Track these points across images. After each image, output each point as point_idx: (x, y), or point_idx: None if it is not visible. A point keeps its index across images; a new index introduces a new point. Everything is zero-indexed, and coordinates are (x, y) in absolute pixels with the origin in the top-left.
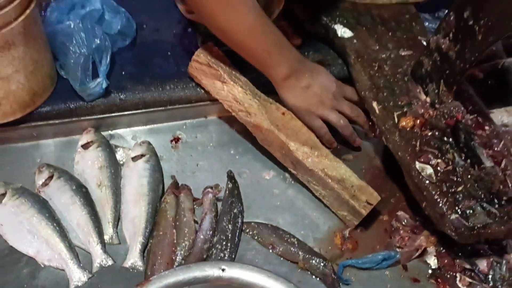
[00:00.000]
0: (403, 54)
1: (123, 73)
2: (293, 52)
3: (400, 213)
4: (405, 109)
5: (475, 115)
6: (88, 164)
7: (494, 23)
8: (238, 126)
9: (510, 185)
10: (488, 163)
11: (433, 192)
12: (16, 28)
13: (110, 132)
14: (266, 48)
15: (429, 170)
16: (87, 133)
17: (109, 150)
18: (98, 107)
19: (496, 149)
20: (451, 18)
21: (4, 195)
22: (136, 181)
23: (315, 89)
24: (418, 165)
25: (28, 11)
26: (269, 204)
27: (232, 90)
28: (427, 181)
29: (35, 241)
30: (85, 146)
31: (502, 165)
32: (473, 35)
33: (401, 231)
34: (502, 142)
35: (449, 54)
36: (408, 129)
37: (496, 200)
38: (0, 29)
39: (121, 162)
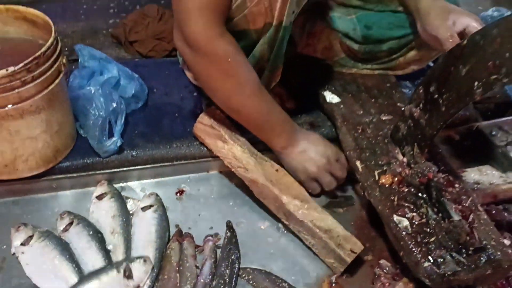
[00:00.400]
0: (384, 118)
1: (135, 132)
2: (290, 124)
3: (382, 261)
4: (385, 168)
5: (447, 174)
6: (102, 213)
7: (454, 98)
8: (236, 180)
9: (476, 237)
10: (456, 217)
11: (409, 242)
12: (47, 95)
13: (121, 184)
14: (268, 124)
15: (405, 222)
16: (101, 185)
17: (121, 200)
18: (112, 162)
19: (464, 204)
20: (421, 91)
21: (31, 237)
22: (145, 229)
23: (311, 154)
24: (395, 217)
25: (57, 81)
26: (263, 251)
27: (232, 149)
28: (404, 232)
29: (56, 280)
30: (100, 197)
31: (470, 218)
32: (438, 106)
33: (383, 278)
34: (470, 199)
35: (420, 121)
36: (387, 185)
37: (464, 250)
38: (33, 97)
39: (131, 212)
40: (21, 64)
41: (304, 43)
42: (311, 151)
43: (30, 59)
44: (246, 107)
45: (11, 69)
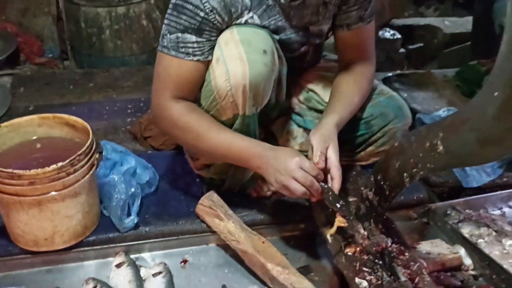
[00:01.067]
0: (350, 200)
1: (149, 211)
2: (257, 147)
3: None
4: (350, 240)
5: (399, 244)
6: (120, 279)
7: (393, 185)
8: (231, 251)
9: None
10: (403, 278)
11: None
12: (83, 183)
13: (136, 255)
14: (236, 155)
15: (364, 283)
16: (120, 256)
17: (136, 268)
18: (129, 236)
19: (412, 269)
20: (372, 179)
21: None
22: None
23: (277, 167)
24: (357, 280)
25: (91, 171)
26: None
27: (227, 225)
28: None
29: None
30: (118, 266)
31: (416, 280)
32: (384, 191)
33: None
34: (417, 264)
35: (373, 202)
36: (351, 254)
37: None
38: (73, 184)
39: (144, 278)
40: (68, 160)
41: (285, 139)
42: (277, 165)
43: (74, 156)
44: (211, 149)
45: (60, 164)
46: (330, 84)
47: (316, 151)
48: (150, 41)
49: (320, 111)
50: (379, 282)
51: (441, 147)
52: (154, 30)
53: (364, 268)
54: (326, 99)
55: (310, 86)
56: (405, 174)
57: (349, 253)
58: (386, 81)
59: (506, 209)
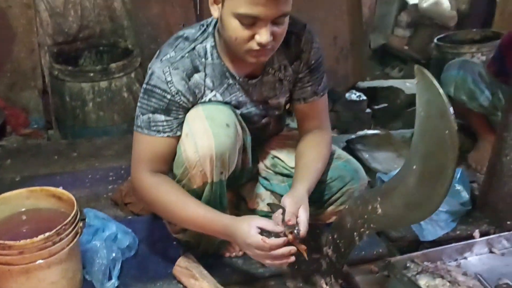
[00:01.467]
0: (314, 257)
1: (128, 274)
2: (221, 219)
3: None
4: None
5: None
6: None
7: (347, 243)
8: None
9: None
10: None
11: None
12: (67, 250)
13: None
14: (201, 225)
15: None
16: None
17: None
18: None
19: None
20: (330, 237)
21: None
22: None
23: (240, 242)
24: None
25: (75, 239)
26: None
27: (202, 285)
28: None
29: None
30: None
31: None
32: (339, 248)
33: None
34: None
35: (332, 259)
36: None
37: None
38: (59, 252)
39: None
40: (54, 230)
41: (254, 201)
42: (239, 241)
43: (60, 226)
44: (177, 221)
45: (47, 234)
46: (293, 150)
47: (289, 212)
48: (131, 111)
49: (286, 175)
50: None
51: (380, 210)
52: (134, 101)
53: None
54: (291, 164)
55: (275, 153)
56: (355, 233)
57: None
58: (349, 142)
59: (461, 261)
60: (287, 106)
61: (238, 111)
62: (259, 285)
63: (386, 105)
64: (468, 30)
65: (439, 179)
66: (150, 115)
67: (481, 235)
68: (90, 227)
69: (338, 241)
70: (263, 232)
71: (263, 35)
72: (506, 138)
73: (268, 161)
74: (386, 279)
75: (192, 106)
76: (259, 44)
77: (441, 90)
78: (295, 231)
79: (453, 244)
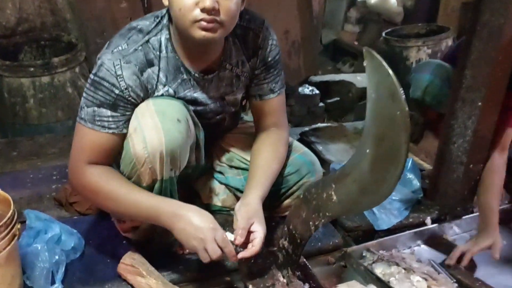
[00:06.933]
0: (271, 249)
1: (74, 278)
2: (170, 204)
3: None
4: None
5: None
6: None
7: (302, 234)
8: None
9: None
10: None
11: None
12: (4, 254)
13: None
14: (144, 214)
15: None
16: None
17: None
18: None
19: None
20: (285, 228)
21: None
22: None
23: (189, 231)
24: None
25: (13, 242)
26: None
27: (149, 282)
28: None
29: None
30: None
31: None
32: (295, 239)
33: None
34: None
35: (288, 251)
36: None
37: None
38: None
39: None
40: None
41: (207, 196)
42: (189, 228)
43: None
44: (121, 209)
45: None
46: (249, 144)
47: (238, 228)
48: (76, 107)
49: (243, 169)
50: None
51: (335, 197)
52: (79, 96)
53: None
54: (247, 158)
55: (230, 147)
56: (310, 223)
57: None
58: (303, 135)
59: (415, 248)
60: (244, 103)
61: (193, 108)
62: (214, 282)
63: (338, 99)
64: (414, 24)
65: (393, 161)
66: (96, 108)
67: (433, 222)
68: (31, 229)
69: (293, 232)
70: None
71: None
72: (453, 125)
73: (224, 157)
74: (343, 269)
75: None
76: (203, 9)
77: (390, 71)
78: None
79: (406, 232)
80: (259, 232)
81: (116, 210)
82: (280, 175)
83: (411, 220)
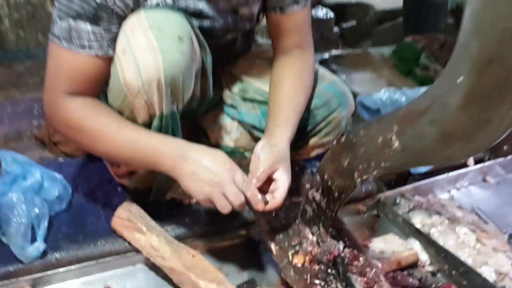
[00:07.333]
0: (294, 200)
1: (60, 234)
2: (174, 144)
3: None
4: (297, 248)
5: (352, 248)
6: None
7: (342, 186)
8: (162, 272)
9: None
10: None
11: None
12: None
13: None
14: (142, 156)
15: None
16: None
17: None
18: (35, 267)
19: (369, 276)
20: (318, 178)
21: None
22: None
23: (201, 175)
24: None
25: None
26: None
27: (149, 239)
28: None
29: None
30: None
31: None
32: (332, 192)
33: None
34: (374, 270)
35: (321, 204)
36: (300, 265)
37: None
38: None
39: None
40: None
41: (217, 135)
42: (201, 172)
43: None
44: (112, 151)
45: None
46: (266, 71)
47: (258, 170)
48: None
49: (259, 102)
50: None
51: (396, 143)
52: None
53: (316, 281)
54: (265, 88)
55: (244, 76)
56: (356, 174)
57: (298, 264)
58: (323, 63)
59: (454, 192)
60: (261, 17)
61: (197, 23)
62: (227, 236)
63: (354, 23)
64: None
65: (505, 94)
66: (71, 21)
67: (475, 162)
68: (6, 175)
69: (329, 183)
70: None
71: None
72: None
73: (236, 87)
74: (375, 219)
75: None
76: None
77: None
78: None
79: (446, 175)
80: (283, 181)
81: (105, 153)
82: (305, 109)
83: None
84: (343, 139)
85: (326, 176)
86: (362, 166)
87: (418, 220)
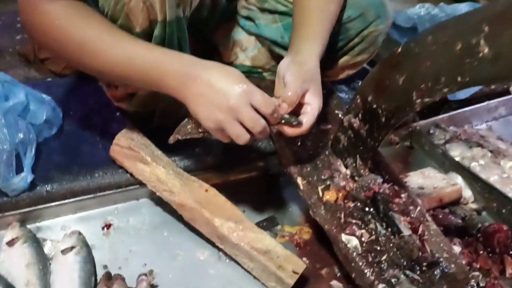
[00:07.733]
0: (323, 128)
1: (50, 163)
2: (179, 59)
3: (333, 282)
4: (328, 183)
5: (392, 183)
6: (14, 262)
7: (393, 109)
8: (170, 206)
9: (428, 250)
10: (406, 231)
11: (360, 263)
12: None
13: (37, 224)
14: (140, 72)
15: (354, 241)
16: (12, 229)
17: (36, 244)
18: (24, 201)
19: (412, 215)
20: (358, 101)
21: None
22: (66, 276)
23: (210, 97)
24: (344, 237)
25: None
26: (205, 286)
27: (155, 171)
28: (354, 253)
29: None
30: (10, 243)
31: (420, 231)
32: (378, 117)
33: None
34: (418, 209)
35: (361, 132)
36: (332, 202)
37: (417, 267)
38: None
39: (50, 256)
40: None
41: (231, 52)
42: (211, 93)
43: None
44: (103, 67)
45: None
46: None
47: (287, 91)
48: None
49: (280, 13)
50: (373, 237)
51: (486, 49)
52: None
53: (352, 220)
54: None
55: None
56: (414, 94)
57: (330, 201)
58: None
59: (491, 122)
60: None
61: None
62: (242, 168)
63: None
64: None
65: None
66: None
67: None
68: None
69: (374, 106)
70: None
71: None
72: None
73: None
74: (409, 151)
75: None
76: None
77: None
78: (294, 122)
79: (485, 103)
80: (313, 105)
81: (95, 71)
82: (336, 21)
83: (493, 86)
84: (398, 50)
85: (370, 98)
86: (426, 84)
87: (457, 152)
